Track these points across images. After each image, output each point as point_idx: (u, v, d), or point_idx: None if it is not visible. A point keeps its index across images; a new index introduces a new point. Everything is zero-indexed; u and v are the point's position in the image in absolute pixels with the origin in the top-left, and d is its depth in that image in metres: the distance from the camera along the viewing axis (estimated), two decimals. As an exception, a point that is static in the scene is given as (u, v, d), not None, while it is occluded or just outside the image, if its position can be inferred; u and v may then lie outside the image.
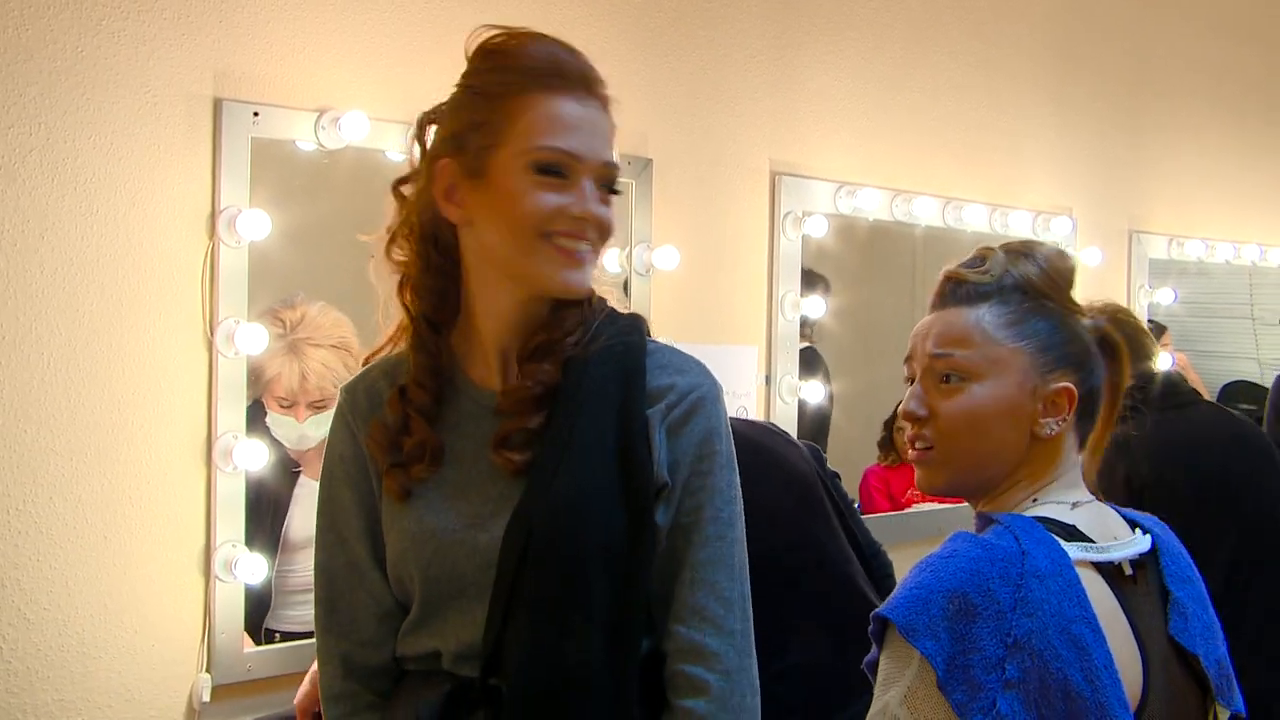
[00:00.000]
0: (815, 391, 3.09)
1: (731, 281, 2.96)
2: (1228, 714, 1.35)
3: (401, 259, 1.39)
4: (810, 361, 3.19)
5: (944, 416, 1.35)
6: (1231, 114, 4.49)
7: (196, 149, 2.13)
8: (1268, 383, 4.90)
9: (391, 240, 1.39)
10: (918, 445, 1.38)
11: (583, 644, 1.27)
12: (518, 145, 1.29)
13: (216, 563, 2.14)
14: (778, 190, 3.01)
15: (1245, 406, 4.87)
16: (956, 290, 1.39)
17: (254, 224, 2.13)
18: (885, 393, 3.50)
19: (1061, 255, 1.41)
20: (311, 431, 2.33)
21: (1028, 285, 1.36)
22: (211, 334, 2.13)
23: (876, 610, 1.23)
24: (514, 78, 1.31)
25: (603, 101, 1.36)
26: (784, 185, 3.02)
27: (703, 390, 1.37)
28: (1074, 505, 1.35)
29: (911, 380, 1.40)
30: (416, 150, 1.40)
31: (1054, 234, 3.60)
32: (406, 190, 1.39)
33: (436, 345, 1.38)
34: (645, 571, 1.32)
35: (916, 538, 3.12)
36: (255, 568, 2.15)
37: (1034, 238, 1.47)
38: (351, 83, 2.29)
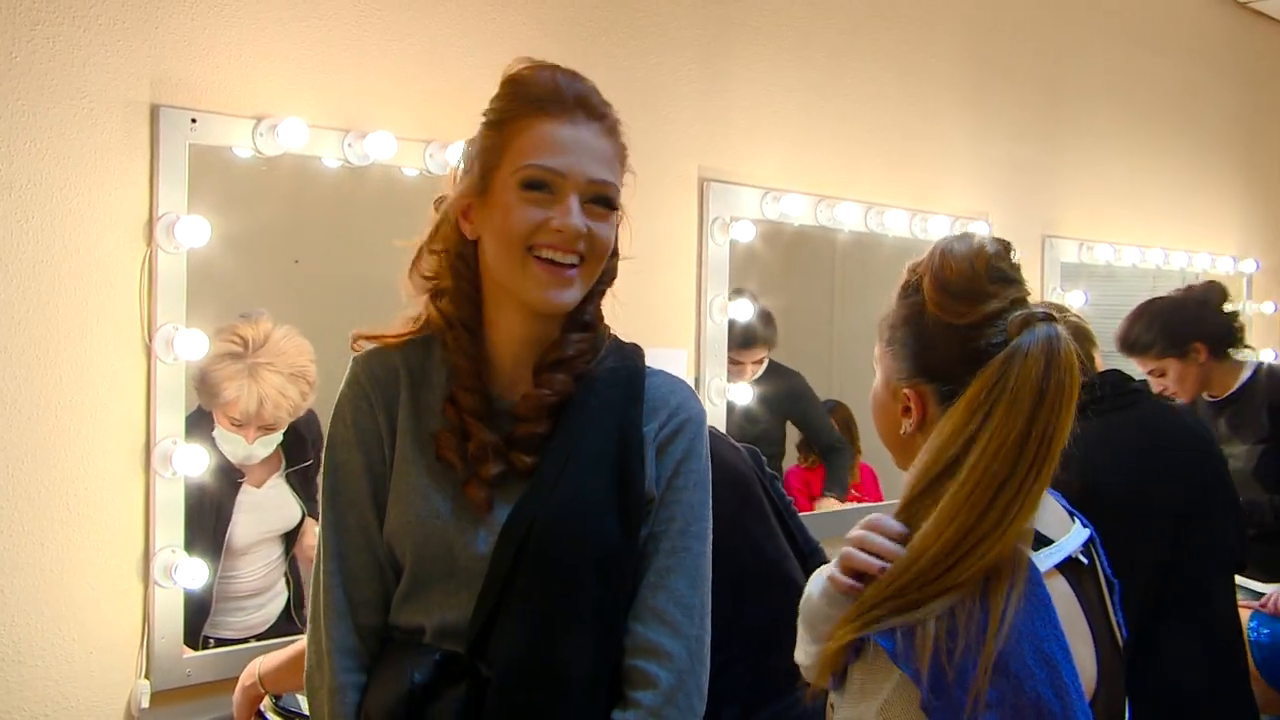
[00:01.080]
0: (743, 394, 3.15)
1: (661, 285, 3.01)
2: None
3: (429, 272, 1.48)
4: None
5: None
6: (1138, 123, 4.64)
7: (134, 155, 2.13)
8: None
9: (419, 254, 1.49)
10: None
11: (571, 646, 1.35)
12: (512, 164, 1.40)
13: (156, 568, 2.14)
14: (706, 196, 3.07)
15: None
16: (901, 283, 1.45)
17: (193, 230, 2.14)
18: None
19: (953, 260, 1.37)
20: (259, 451, 2.35)
21: (922, 285, 1.38)
22: (150, 340, 2.13)
23: (868, 634, 1.24)
24: (517, 104, 1.42)
25: (601, 125, 1.44)
26: (712, 191, 3.08)
27: (689, 414, 1.48)
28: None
29: None
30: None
31: (971, 239, 3.68)
32: (441, 208, 1.49)
33: (476, 349, 1.45)
34: (633, 576, 1.42)
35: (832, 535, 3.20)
36: (196, 573, 2.16)
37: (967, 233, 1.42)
38: (289, 90, 2.30)
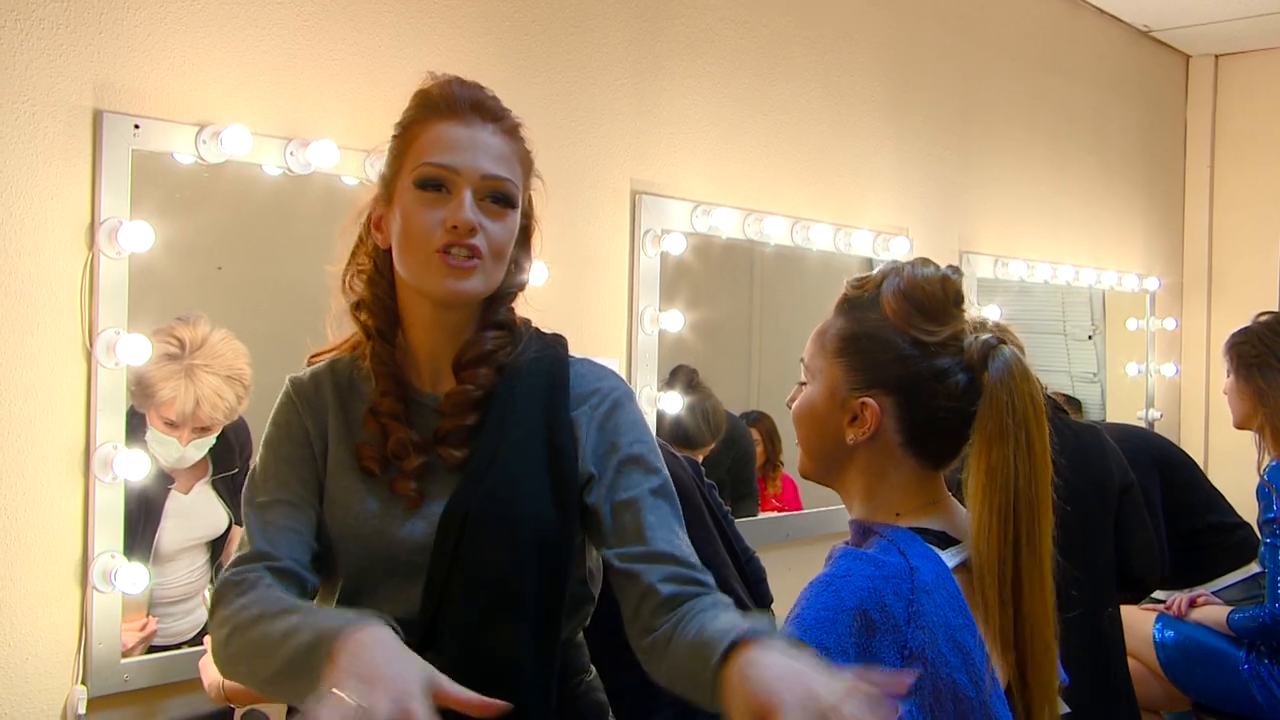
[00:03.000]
0: (674, 402, 3.22)
1: (593, 296, 3.06)
2: None
3: (354, 289, 1.54)
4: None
5: (792, 410, 1.53)
6: (1048, 143, 4.80)
7: (76, 160, 2.12)
8: (1078, 393, 5.25)
9: (346, 273, 1.55)
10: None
11: (514, 628, 1.40)
12: (408, 166, 1.46)
13: (94, 573, 2.13)
14: (638, 209, 3.13)
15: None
16: (840, 300, 1.52)
17: (136, 235, 2.14)
18: (728, 405, 3.66)
19: (931, 280, 1.44)
20: (192, 454, 2.35)
21: (881, 304, 1.45)
22: (91, 344, 2.13)
23: (787, 633, 1.30)
24: (416, 112, 1.49)
25: (498, 125, 1.49)
26: (644, 204, 3.13)
27: (622, 391, 1.54)
28: (933, 502, 1.47)
29: None
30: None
31: (893, 253, 3.79)
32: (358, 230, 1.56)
33: (391, 356, 1.51)
34: (573, 561, 1.46)
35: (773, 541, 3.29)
36: (135, 577, 2.15)
37: (923, 257, 1.51)
38: (233, 97, 2.31)
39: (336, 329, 1.59)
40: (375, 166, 2.45)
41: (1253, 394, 3.17)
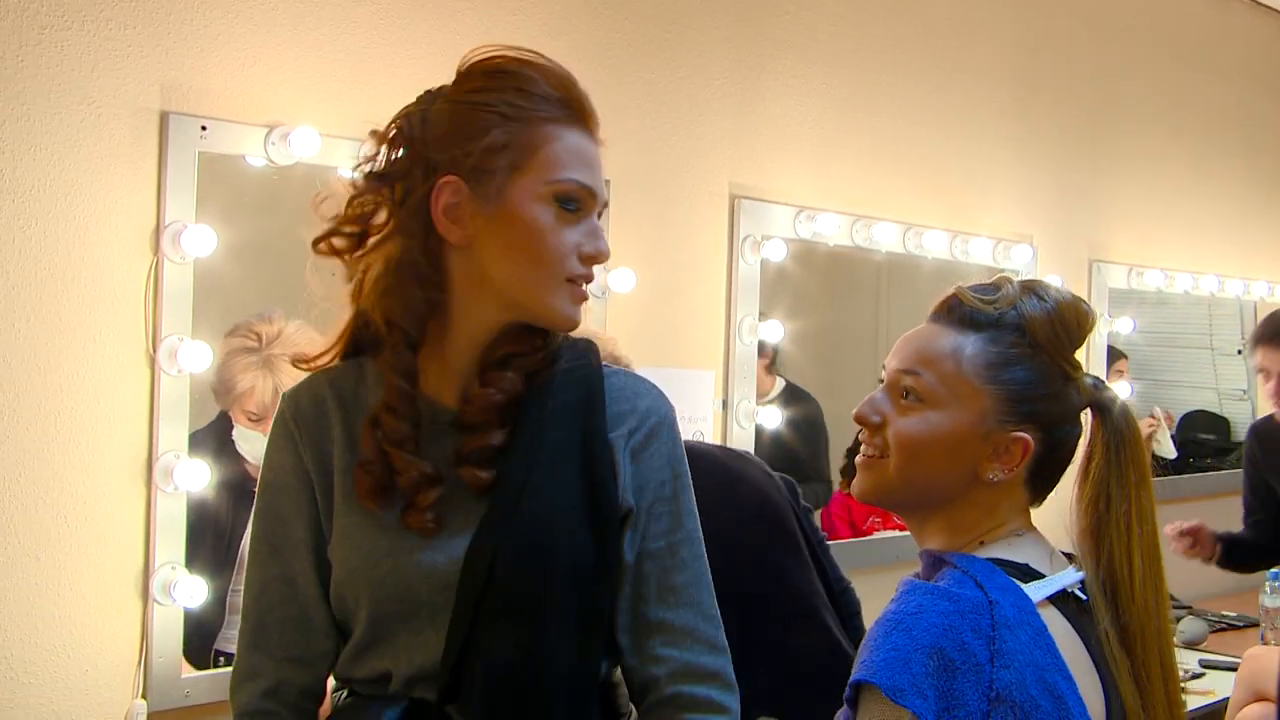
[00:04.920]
0: (772, 417, 3.08)
1: (689, 305, 2.94)
2: None
3: (371, 269, 1.33)
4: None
5: (895, 429, 1.34)
6: (1191, 145, 4.53)
7: (141, 163, 2.09)
8: (1226, 412, 4.96)
9: (358, 247, 1.33)
10: (867, 451, 1.37)
11: (550, 670, 1.26)
12: (541, 174, 1.28)
13: (155, 585, 2.09)
14: (736, 213, 3.00)
15: (1204, 436, 4.92)
16: (955, 310, 1.36)
17: (200, 240, 2.09)
18: (849, 420, 3.49)
19: (1076, 308, 1.36)
20: None
21: (1027, 328, 1.33)
22: (154, 351, 2.09)
23: (855, 676, 1.20)
24: (538, 105, 1.30)
25: (597, 135, 1.36)
26: (743, 209, 3.01)
27: (661, 414, 1.38)
28: (1018, 535, 1.34)
29: (883, 383, 1.39)
30: (382, 154, 1.35)
31: (1014, 262, 3.61)
32: (372, 197, 1.33)
33: (414, 366, 1.33)
34: (609, 598, 1.32)
35: (878, 563, 3.13)
36: (195, 591, 2.11)
37: (1040, 278, 1.42)
38: (302, 98, 2.26)
39: (324, 326, 1.41)
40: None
41: None
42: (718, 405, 2.98)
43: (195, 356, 2.10)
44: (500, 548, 1.26)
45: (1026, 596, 1.25)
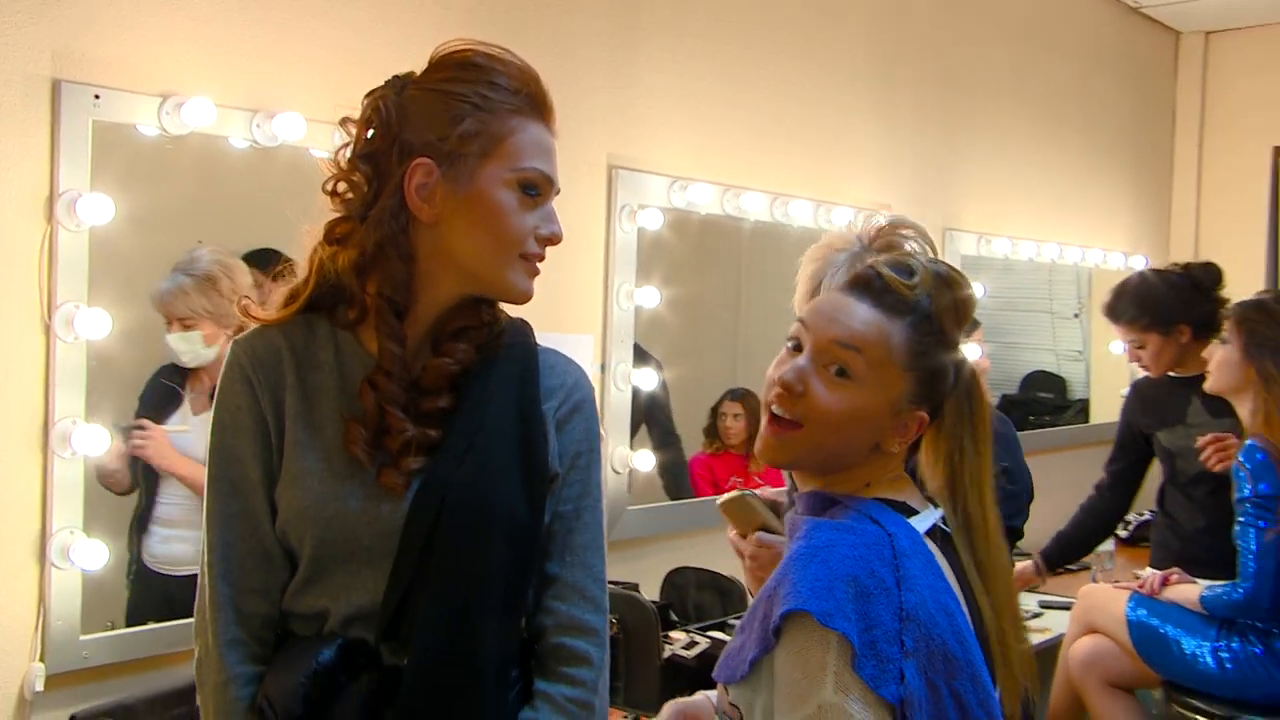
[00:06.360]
0: (648, 379, 3.20)
1: (569, 271, 3.03)
2: None
3: (357, 244, 1.41)
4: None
5: (819, 404, 1.41)
6: (1035, 118, 4.77)
7: (34, 131, 2.09)
8: (1063, 372, 5.26)
9: (345, 219, 1.42)
10: (781, 416, 1.43)
11: (482, 616, 1.38)
12: (507, 162, 1.41)
13: (53, 549, 2.11)
14: (614, 183, 3.10)
15: (1043, 395, 5.21)
16: (876, 288, 1.44)
17: (95, 208, 2.11)
18: (711, 381, 3.63)
19: (970, 300, 1.48)
20: (207, 353, 2.39)
21: (937, 318, 1.44)
22: (50, 318, 2.10)
23: (784, 607, 1.29)
24: (506, 98, 1.42)
25: (554, 128, 1.49)
26: (620, 178, 3.11)
27: (584, 392, 1.53)
28: (896, 479, 1.49)
29: (797, 347, 1.45)
30: (358, 136, 1.44)
31: (873, 230, 3.76)
32: (357, 179, 1.42)
33: (403, 332, 1.43)
34: (537, 554, 1.46)
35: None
36: (95, 554, 2.14)
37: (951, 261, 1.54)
38: (197, 68, 2.28)
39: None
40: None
41: (1255, 375, 3.09)
42: (596, 369, 3.09)
43: (92, 323, 2.12)
44: (447, 496, 1.38)
45: (915, 529, 1.40)
